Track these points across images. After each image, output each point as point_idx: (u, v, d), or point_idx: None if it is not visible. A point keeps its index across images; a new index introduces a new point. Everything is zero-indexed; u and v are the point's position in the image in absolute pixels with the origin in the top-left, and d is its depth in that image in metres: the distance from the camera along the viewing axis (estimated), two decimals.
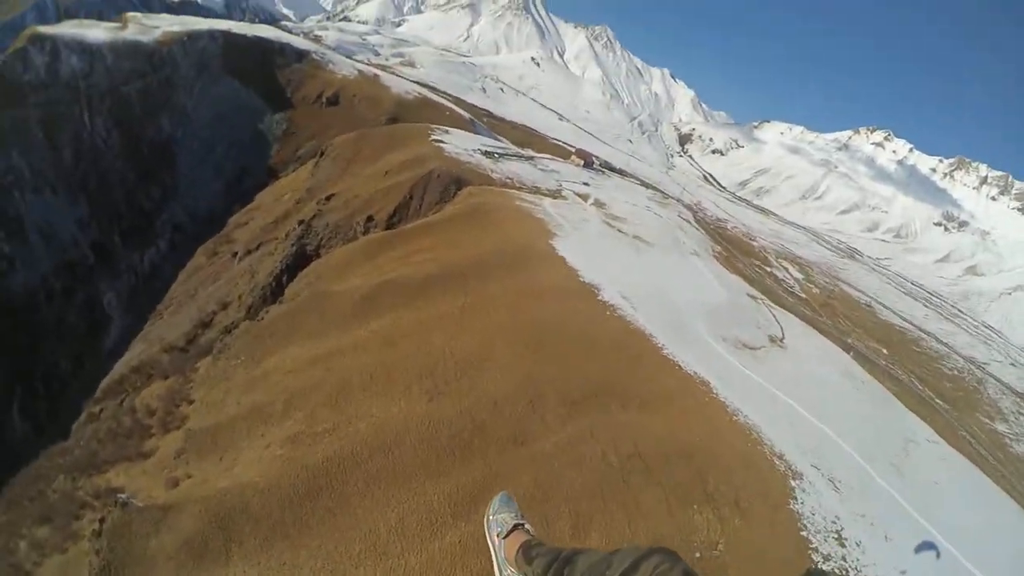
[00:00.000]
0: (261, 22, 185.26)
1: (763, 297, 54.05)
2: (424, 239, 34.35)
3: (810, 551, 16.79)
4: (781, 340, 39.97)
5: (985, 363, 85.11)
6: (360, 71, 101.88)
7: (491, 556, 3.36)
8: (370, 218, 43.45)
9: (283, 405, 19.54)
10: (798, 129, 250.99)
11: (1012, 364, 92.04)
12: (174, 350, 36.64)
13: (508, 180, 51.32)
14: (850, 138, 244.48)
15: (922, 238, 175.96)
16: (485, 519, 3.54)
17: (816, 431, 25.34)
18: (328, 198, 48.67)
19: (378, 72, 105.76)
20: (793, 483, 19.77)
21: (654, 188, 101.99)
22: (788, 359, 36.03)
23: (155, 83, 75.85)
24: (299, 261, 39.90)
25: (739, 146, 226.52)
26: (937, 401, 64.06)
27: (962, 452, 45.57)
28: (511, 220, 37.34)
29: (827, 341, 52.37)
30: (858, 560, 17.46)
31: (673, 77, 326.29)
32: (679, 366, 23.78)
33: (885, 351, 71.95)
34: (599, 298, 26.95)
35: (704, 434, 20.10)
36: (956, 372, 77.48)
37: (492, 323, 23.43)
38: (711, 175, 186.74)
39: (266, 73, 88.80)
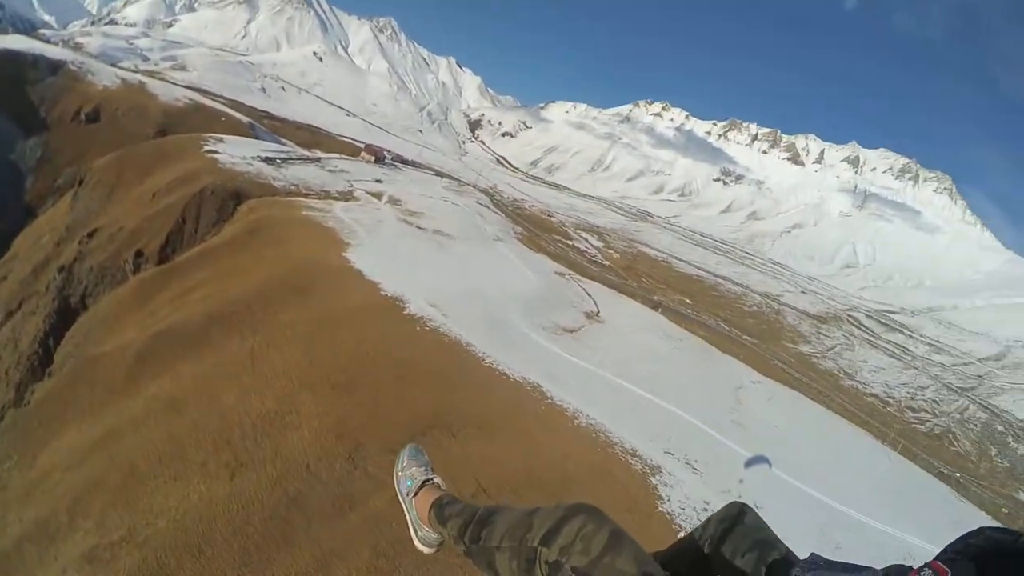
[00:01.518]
0: (19, 31, 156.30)
1: (570, 272, 55.02)
2: (201, 270, 29.29)
3: None
4: (597, 314, 39.68)
5: (779, 295, 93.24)
6: (124, 80, 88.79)
7: (405, 516, 3.00)
8: (139, 253, 36.84)
9: (68, 514, 15.67)
10: (582, 107, 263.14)
11: (803, 292, 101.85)
12: None
13: (293, 187, 46.50)
14: (631, 111, 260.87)
15: (704, 194, 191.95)
16: (394, 476, 3.15)
17: (658, 411, 23.95)
18: (91, 235, 40.78)
19: (144, 80, 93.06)
20: (654, 480, 17.91)
21: (449, 177, 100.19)
22: (609, 334, 35.51)
23: None
24: (65, 318, 34.16)
25: (528, 127, 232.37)
26: (745, 338, 68.25)
27: (783, 382, 48.65)
28: (298, 234, 32.55)
29: (638, 305, 53.82)
30: None
31: (459, 65, 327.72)
32: (506, 375, 20.88)
33: (689, 301, 76.06)
34: (406, 312, 23.29)
35: (550, 451, 17.42)
36: (756, 308, 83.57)
37: (288, 366, 19.22)
38: (504, 158, 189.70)
39: (16, 91, 75.00)
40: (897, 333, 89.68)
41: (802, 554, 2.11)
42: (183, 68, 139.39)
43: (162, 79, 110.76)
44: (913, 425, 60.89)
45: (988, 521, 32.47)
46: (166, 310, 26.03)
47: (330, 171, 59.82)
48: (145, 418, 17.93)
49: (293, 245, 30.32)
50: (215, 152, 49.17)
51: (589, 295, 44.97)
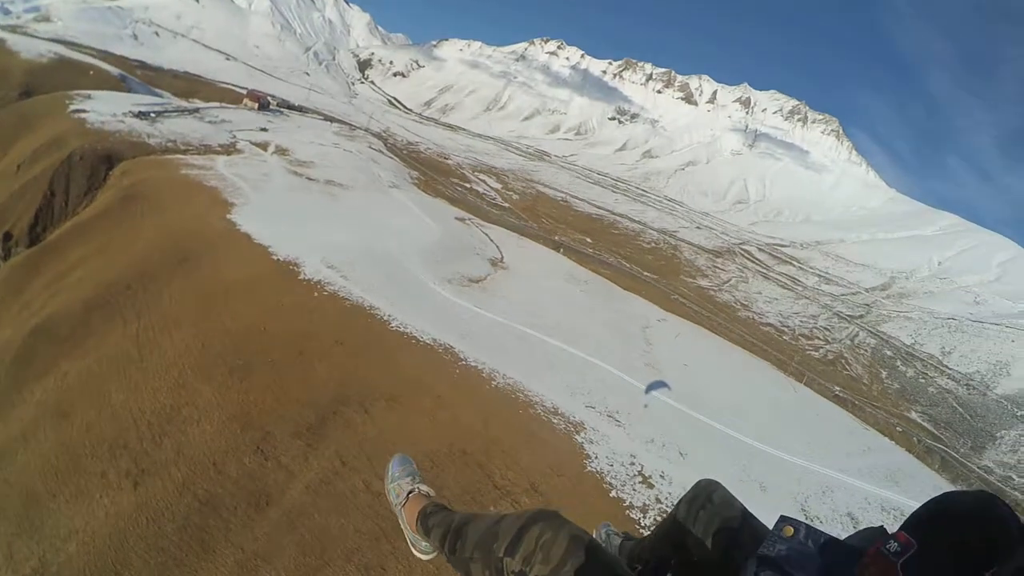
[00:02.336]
0: None
1: (471, 216, 54.37)
2: (75, 248, 26.06)
3: (627, 511, 15.05)
4: (502, 260, 39.13)
5: (675, 231, 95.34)
6: None
7: (401, 527, 3.07)
8: (8, 235, 33.10)
9: None
10: (476, 44, 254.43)
11: (698, 227, 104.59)
12: None
13: (170, 143, 42.74)
14: (526, 49, 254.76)
15: (600, 132, 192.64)
16: (385, 488, 3.20)
17: (573, 361, 23.45)
18: None
19: (3, 36, 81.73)
20: (579, 439, 17.40)
21: (340, 121, 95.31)
22: (516, 281, 34.91)
23: None
24: None
25: (420, 66, 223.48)
26: (646, 274, 69.51)
27: (685, 317, 49.96)
28: (177, 197, 29.29)
29: (541, 247, 53.77)
30: (670, 493, 16.15)
31: (347, 1, 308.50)
32: (416, 338, 19.48)
33: (590, 240, 76.60)
34: (302, 277, 21.25)
35: (470, 418, 16.38)
36: (654, 244, 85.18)
37: (179, 352, 17.25)
38: (396, 99, 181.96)
39: None
40: (788, 265, 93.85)
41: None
42: (47, 19, 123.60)
43: (24, 33, 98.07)
44: (808, 352, 64.10)
45: (893, 447, 34.56)
46: (42, 299, 23.30)
47: (210, 122, 55.30)
48: (35, 430, 15.95)
49: (172, 211, 27.25)
50: (83, 111, 43.80)
51: (492, 241, 44.23)
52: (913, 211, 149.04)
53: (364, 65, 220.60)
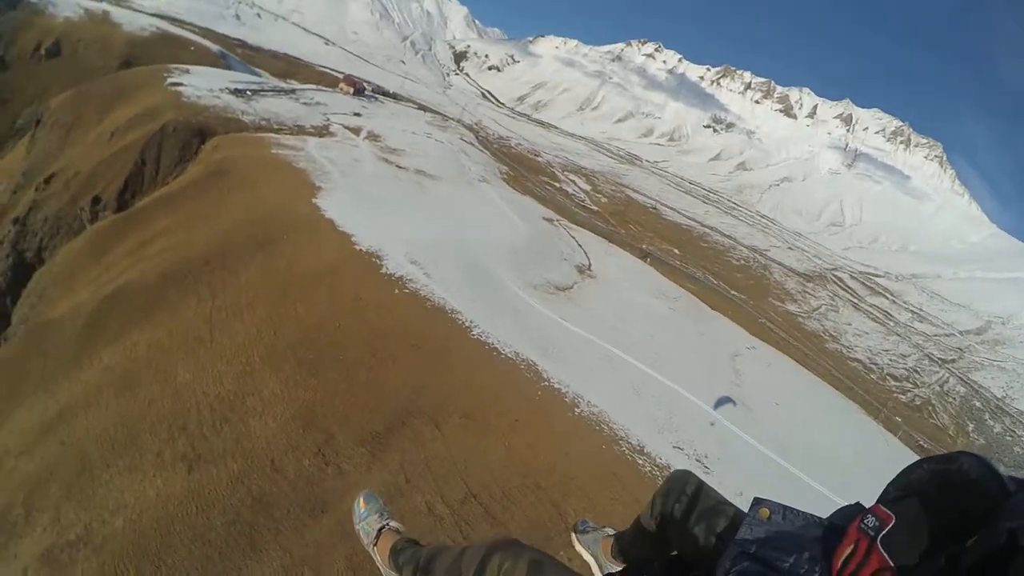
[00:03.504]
0: None
1: (559, 218, 53.44)
2: (160, 218, 25.93)
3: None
4: (589, 268, 37.84)
5: (766, 250, 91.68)
6: (87, 10, 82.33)
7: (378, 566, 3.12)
8: (96, 199, 33.57)
9: (24, 507, 13.60)
10: (572, 43, 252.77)
11: (790, 248, 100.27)
12: None
13: (264, 122, 42.59)
14: (622, 50, 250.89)
15: (694, 140, 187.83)
16: (356, 530, 3.28)
17: (660, 391, 21.60)
18: (47, 181, 37.37)
19: (108, 8, 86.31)
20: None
21: (433, 111, 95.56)
22: (602, 292, 33.44)
23: None
24: (21, 274, 31.57)
25: (515, 61, 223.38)
26: (733, 293, 66.49)
27: (772, 345, 47.24)
28: (265, 176, 29.01)
29: (629, 257, 52.10)
30: None
31: None
32: (497, 350, 18.09)
33: (677, 251, 74.46)
34: (384, 271, 20.22)
35: (548, 447, 14.79)
36: (743, 262, 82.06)
37: (250, 337, 16.38)
38: (489, 92, 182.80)
39: None
40: (881, 297, 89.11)
41: None
42: None
43: (128, 7, 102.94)
44: (895, 395, 60.22)
45: None
46: (123, 264, 23.14)
47: (305, 104, 55.32)
48: (97, 395, 15.57)
49: (259, 190, 26.87)
50: (179, 85, 44.70)
51: (580, 245, 42.72)
52: (1015, 250, 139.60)
53: (459, 57, 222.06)
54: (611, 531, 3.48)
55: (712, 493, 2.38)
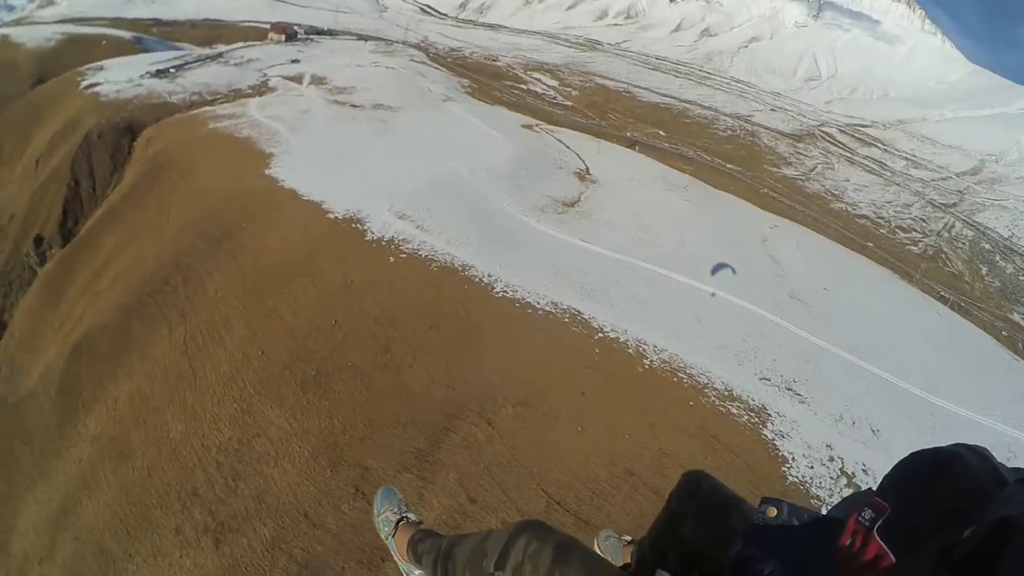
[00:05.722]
0: None
1: (538, 122, 49.72)
2: (106, 240, 22.85)
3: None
4: (588, 172, 34.54)
5: (749, 115, 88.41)
6: None
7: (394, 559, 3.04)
8: (39, 239, 30.02)
9: None
10: None
11: (772, 110, 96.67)
12: None
13: (195, 97, 38.27)
14: None
15: (651, 14, 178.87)
16: (374, 524, 3.22)
17: (719, 309, 18.65)
18: None
19: (6, 32, 78.26)
20: (767, 433, 13.35)
21: (374, 38, 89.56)
22: (610, 196, 30.27)
23: None
24: None
25: None
26: (728, 166, 63.62)
27: (782, 215, 44.63)
28: (206, 159, 24.87)
29: (621, 149, 48.74)
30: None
31: None
32: (531, 305, 14.99)
33: (663, 133, 70.83)
34: (370, 237, 16.77)
35: (630, 423, 12.26)
36: (730, 131, 79.30)
37: (235, 365, 13.53)
38: (428, 6, 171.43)
39: None
40: (873, 148, 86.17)
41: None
42: (51, 2, 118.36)
43: (28, 23, 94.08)
44: (907, 247, 58.45)
45: None
46: (80, 305, 20.33)
47: (236, 64, 50.57)
48: (94, 474, 13.64)
49: (201, 176, 22.89)
50: (95, 85, 39.31)
51: (569, 148, 39.41)
52: (995, 86, 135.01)
53: None
54: (628, 539, 3.26)
55: (724, 490, 2.23)
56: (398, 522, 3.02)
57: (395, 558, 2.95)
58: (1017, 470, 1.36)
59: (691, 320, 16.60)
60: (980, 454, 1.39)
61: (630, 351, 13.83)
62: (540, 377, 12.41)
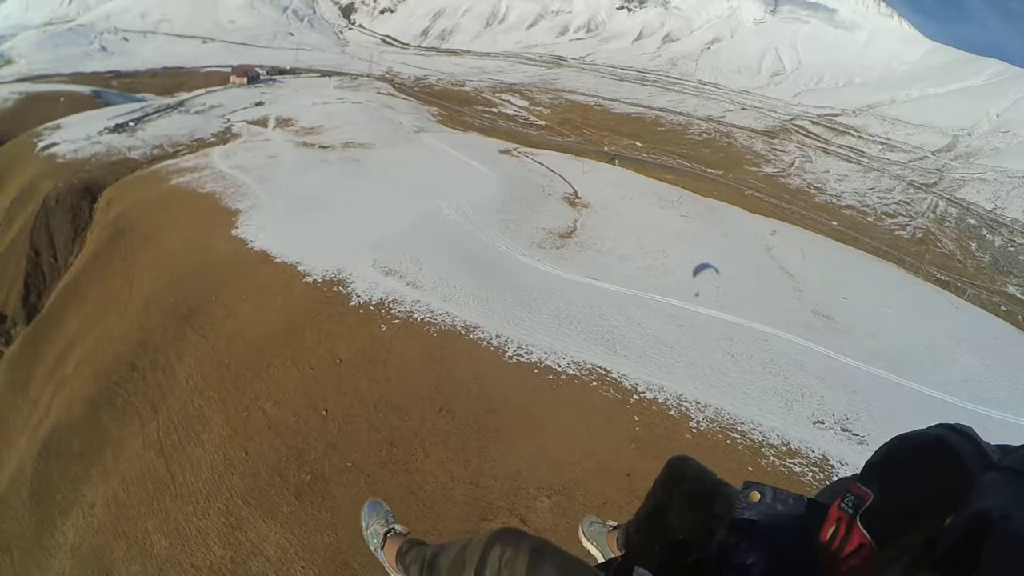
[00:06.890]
0: None
1: (515, 146, 48.39)
2: (69, 318, 21.11)
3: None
4: (577, 195, 33.19)
5: (721, 116, 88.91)
6: None
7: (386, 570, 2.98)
8: (2, 317, 28.66)
9: None
10: None
11: (743, 108, 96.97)
12: None
13: (156, 150, 36.61)
14: None
15: (611, 25, 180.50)
16: (364, 538, 3.11)
17: (747, 339, 16.88)
18: None
19: None
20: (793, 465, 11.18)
21: (338, 73, 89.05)
22: (605, 221, 28.81)
23: None
24: None
25: None
26: (709, 170, 63.21)
27: (772, 216, 43.55)
28: (169, 221, 23.14)
29: (604, 166, 47.98)
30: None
31: None
32: (552, 369, 13.20)
33: (639, 143, 71.48)
34: (354, 303, 14.94)
35: None
36: (705, 135, 79.11)
37: (216, 469, 11.74)
38: (389, 36, 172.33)
39: None
40: (847, 136, 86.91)
41: None
42: (9, 61, 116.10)
43: None
44: (896, 232, 58.32)
45: None
46: (47, 392, 18.59)
47: (198, 112, 48.93)
48: None
49: (164, 242, 21.12)
50: (52, 146, 37.50)
51: (552, 171, 38.16)
52: (956, 60, 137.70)
53: (348, 11, 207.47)
54: (614, 524, 3.19)
55: (709, 476, 2.20)
56: (386, 534, 2.95)
57: (386, 568, 2.89)
58: (1003, 447, 1.31)
59: (727, 361, 14.87)
60: (964, 434, 1.35)
61: (672, 412, 12.04)
62: (576, 460, 10.58)
